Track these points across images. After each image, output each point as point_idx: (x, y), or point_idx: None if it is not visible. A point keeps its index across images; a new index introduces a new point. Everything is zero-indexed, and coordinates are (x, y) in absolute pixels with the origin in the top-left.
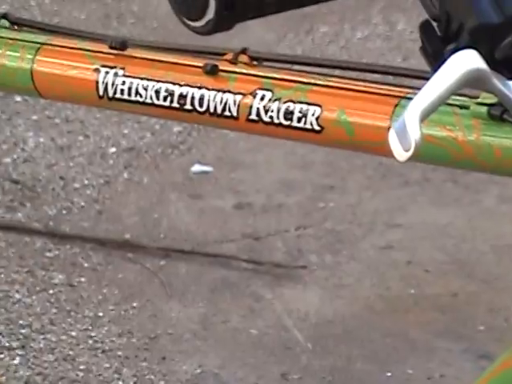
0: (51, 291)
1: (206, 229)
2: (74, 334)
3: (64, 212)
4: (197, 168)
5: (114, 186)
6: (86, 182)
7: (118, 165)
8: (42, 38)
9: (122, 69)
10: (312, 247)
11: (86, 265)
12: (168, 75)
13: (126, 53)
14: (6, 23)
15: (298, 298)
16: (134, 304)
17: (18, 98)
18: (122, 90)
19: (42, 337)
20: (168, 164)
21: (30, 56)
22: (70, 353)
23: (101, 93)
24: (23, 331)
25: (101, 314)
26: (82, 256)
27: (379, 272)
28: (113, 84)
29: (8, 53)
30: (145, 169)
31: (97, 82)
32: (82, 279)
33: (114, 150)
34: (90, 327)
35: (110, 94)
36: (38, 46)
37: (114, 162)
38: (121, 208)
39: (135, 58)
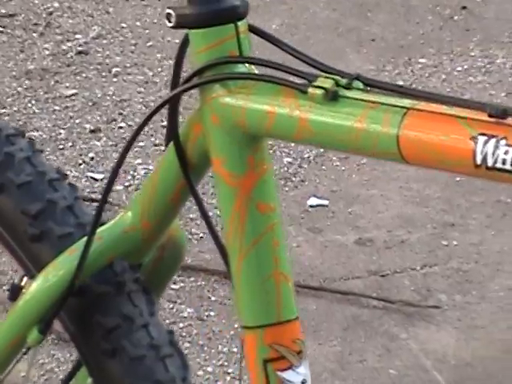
0: (181, 325)
1: (330, 264)
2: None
3: None
4: (313, 201)
5: None
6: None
7: None
8: (406, 102)
9: (504, 138)
10: (440, 286)
11: (213, 298)
12: None
13: (506, 121)
14: (360, 85)
15: (433, 339)
16: None
17: (122, 124)
18: (504, 160)
19: None
20: (283, 196)
21: (395, 121)
22: None
23: (478, 162)
24: None
25: (235, 350)
26: (207, 289)
27: None
28: (493, 153)
29: (369, 116)
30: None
31: (473, 151)
32: (212, 313)
33: None
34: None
35: (490, 163)
36: (404, 110)
37: None
38: None
39: None
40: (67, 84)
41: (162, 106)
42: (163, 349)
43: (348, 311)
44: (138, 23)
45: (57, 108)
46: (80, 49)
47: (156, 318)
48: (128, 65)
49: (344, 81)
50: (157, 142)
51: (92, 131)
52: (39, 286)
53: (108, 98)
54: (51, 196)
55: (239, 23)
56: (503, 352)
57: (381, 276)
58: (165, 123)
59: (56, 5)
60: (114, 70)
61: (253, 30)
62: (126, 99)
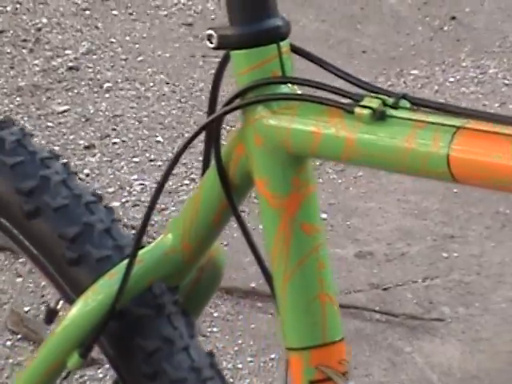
0: None
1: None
2: None
3: None
4: None
5: (231, 232)
6: None
7: None
8: (456, 121)
9: None
10: (443, 299)
11: (215, 314)
12: None
13: None
14: (407, 104)
15: (437, 352)
16: (272, 356)
17: (116, 140)
18: None
19: None
20: None
21: (445, 140)
22: None
23: None
24: None
25: (240, 366)
26: (210, 305)
27: None
28: None
29: (418, 136)
30: (257, 215)
31: None
32: (214, 329)
33: None
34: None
35: None
36: (454, 129)
37: None
38: (241, 255)
39: None
40: (59, 100)
41: (203, 128)
42: (204, 371)
43: (351, 325)
44: (127, 38)
45: (50, 124)
46: (70, 64)
47: (196, 341)
48: (119, 80)
49: (391, 100)
50: (152, 157)
51: (86, 147)
52: (79, 311)
53: (101, 113)
54: (88, 219)
55: (281, 43)
56: (509, 364)
57: (383, 289)
58: (159, 138)
59: (44, 21)
60: (106, 85)
61: (295, 49)
62: (118, 115)
